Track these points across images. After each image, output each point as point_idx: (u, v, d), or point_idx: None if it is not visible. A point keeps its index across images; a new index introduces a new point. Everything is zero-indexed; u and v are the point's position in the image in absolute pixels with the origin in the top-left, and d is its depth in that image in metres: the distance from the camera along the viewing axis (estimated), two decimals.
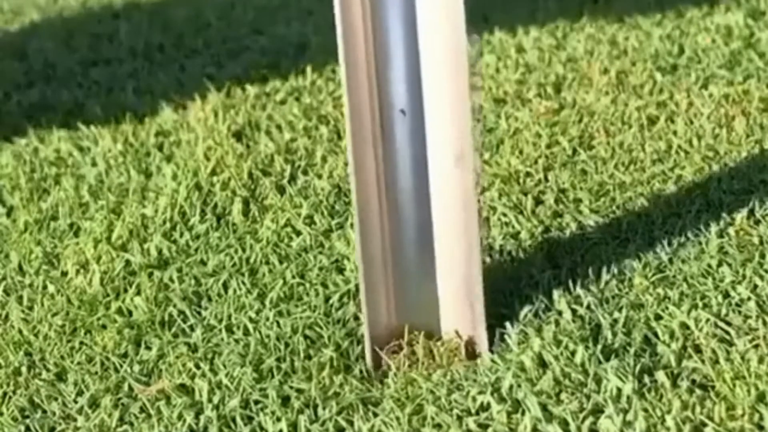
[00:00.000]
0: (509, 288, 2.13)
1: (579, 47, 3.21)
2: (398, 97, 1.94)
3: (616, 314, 2.05)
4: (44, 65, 3.69)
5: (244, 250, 2.39)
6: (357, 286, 2.16)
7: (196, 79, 3.39)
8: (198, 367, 2.07)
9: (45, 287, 2.38)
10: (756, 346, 1.93)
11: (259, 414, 1.94)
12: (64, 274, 2.43)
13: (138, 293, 2.30)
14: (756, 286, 2.08)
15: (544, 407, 1.84)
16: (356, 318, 2.11)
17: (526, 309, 2.07)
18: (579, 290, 2.12)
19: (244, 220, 2.52)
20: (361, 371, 1.99)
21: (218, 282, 2.30)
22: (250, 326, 2.15)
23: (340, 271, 2.29)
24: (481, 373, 1.94)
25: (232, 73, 3.39)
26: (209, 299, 2.27)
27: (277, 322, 2.15)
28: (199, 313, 2.23)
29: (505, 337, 2.01)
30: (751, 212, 2.32)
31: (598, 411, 1.83)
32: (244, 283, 2.29)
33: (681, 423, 1.78)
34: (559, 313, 2.06)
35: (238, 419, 1.93)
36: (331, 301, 2.19)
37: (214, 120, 3.01)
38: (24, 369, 2.14)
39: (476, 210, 1.95)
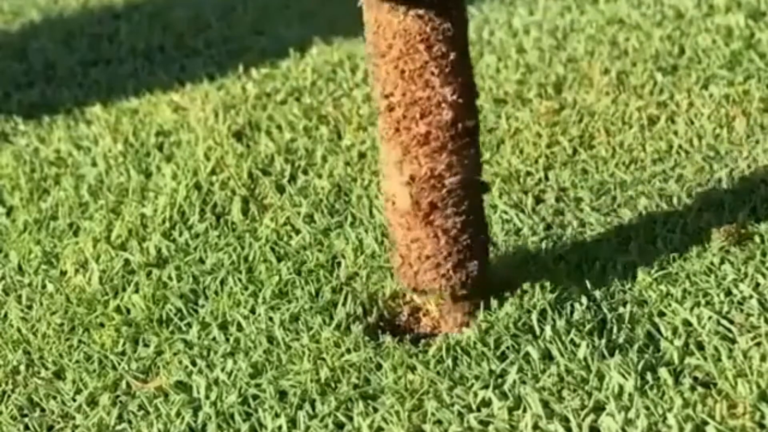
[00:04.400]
0: (514, 278, 2.13)
1: (579, 48, 3.20)
2: None
3: (621, 309, 2.04)
4: (44, 65, 3.68)
5: (242, 248, 2.39)
6: (348, 279, 2.20)
7: (196, 79, 3.38)
8: (194, 364, 2.06)
9: (44, 286, 2.38)
10: (758, 344, 1.92)
11: (257, 410, 1.93)
12: (63, 273, 2.42)
13: (136, 291, 2.29)
14: (758, 284, 2.08)
15: (545, 404, 1.84)
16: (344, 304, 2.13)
17: (533, 299, 2.05)
18: (587, 282, 2.11)
19: (243, 219, 2.52)
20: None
21: (216, 280, 2.29)
22: (243, 322, 2.15)
23: (337, 266, 2.28)
24: (484, 366, 1.93)
25: (233, 73, 3.39)
26: (206, 297, 2.26)
27: (269, 318, 2.15)
28: (196, 311, 2.22)
29: (510, 326, 2.00)
30: (753, 211, 2.31)
31: (599, 408, 1.83)
32: (240, 280, 2.28)
33: (682, 421, 1.77)
34: (566, 305, 2.05)
35: (236, 416, 1.93)
36: (320, 294, 2.19)
37: (214, 120, 3.00)
38: (22, 367, 2.13)
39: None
